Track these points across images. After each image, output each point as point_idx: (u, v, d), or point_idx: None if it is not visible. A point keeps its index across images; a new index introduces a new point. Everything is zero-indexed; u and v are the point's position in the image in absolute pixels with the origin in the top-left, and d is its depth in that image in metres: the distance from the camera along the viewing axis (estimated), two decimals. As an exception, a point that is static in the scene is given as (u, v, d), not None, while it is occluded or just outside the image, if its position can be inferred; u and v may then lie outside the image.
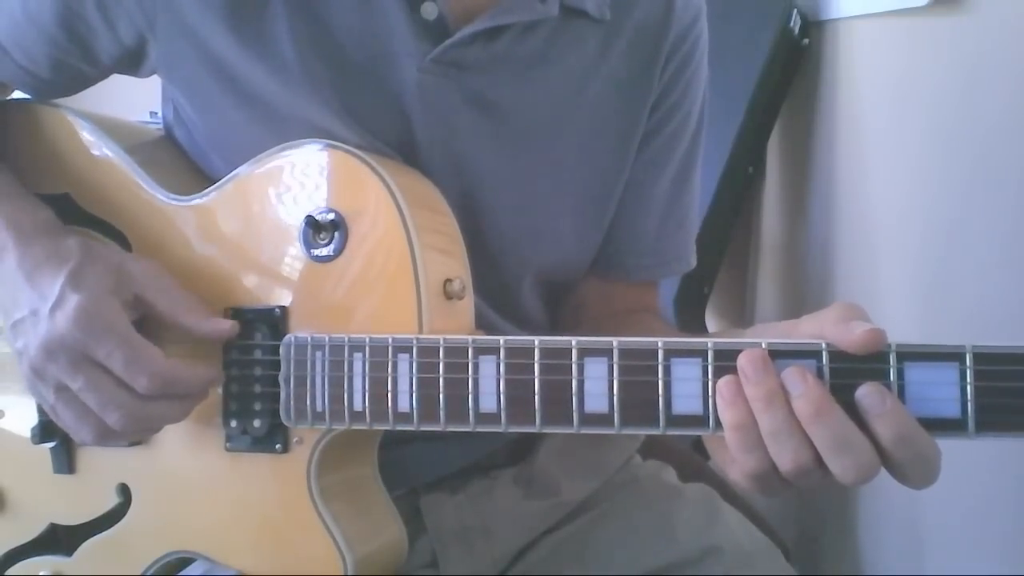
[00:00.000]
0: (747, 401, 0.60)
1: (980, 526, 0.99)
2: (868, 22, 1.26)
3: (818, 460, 0.59)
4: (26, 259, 0.77)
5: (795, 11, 1.42)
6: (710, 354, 0.61)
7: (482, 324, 0.81)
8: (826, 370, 0.59)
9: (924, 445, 0.58)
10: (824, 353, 0.59)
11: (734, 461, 0.63)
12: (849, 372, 0.59)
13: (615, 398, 0.64)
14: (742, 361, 0.60)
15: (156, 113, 0.96)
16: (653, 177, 0.94)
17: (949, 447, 0.99)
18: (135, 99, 1.16)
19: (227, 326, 0.78)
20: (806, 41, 1.44)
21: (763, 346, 0.60)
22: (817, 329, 0.61)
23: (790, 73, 1.46)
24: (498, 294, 0.88)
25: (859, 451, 0.58)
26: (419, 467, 0.92)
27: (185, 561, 0.85)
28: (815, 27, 1.43)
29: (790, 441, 0.59)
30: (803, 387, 0.58)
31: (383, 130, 0.81)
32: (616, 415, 0.64)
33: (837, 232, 1.34)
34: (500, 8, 0.81)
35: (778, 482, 0.62)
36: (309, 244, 0.76)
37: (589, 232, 0.93)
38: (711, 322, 1.64)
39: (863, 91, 1.28)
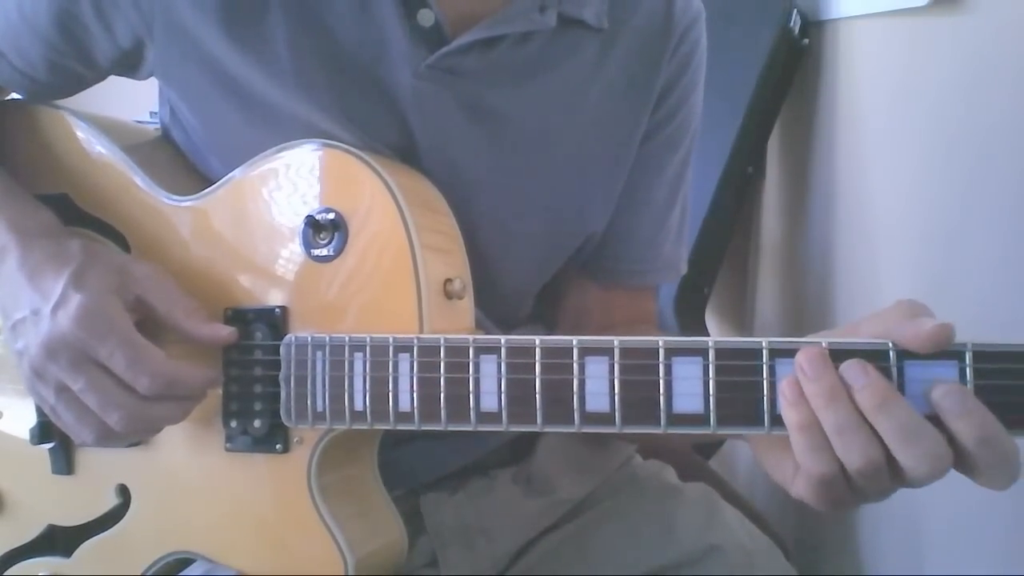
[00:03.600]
0: (808, 399, 0.58)
1: (980, 526, 0.99)
2: (868, 22, 1.26)
3: (887, 455, 0.57)
4: (28, 260, 0.77)
5: (795, 11, 1.42)
6: (711, 353, 0.61)
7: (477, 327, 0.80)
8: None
9: (1007, 445, 0.56)
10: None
11: (798, 473, 0.61)
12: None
13: (616, 397, 0.64)
14: (800, 359, 0.59)
15: (156, 113, 0.96)
16: (648, 181, 0.94)
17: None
18: (135, 99, 1.16)
19: (226, 332, 0.78)
20: (806, 41, 1.44)
21: (764, 345, 0.60)
22: (881, 328, 0.59)
23: (790, 73, 1.46)
24: (494, 301, 0.88)
25: (929, 441, 0.56)
26: (418, 467, 0.92)
27: (185, 562, 0.85)
28: (815, 27, 1.43)
29: (857, 436, 0.57)
30: (865, 379, 0.57)
31: (382, 134, 0.81)
32: (617, 414, 0.64)
33: (837, 232, 1.34)
34: (498, 18, 0.81)
35: (847, 490, 0.60)
36: (309, 244, 0.76)
37: (585, 243, 0.93)
38: (711, 322, 1.64)
39: (863, 91, 1.28)
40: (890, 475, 0.58)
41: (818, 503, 0.62)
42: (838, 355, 0.58)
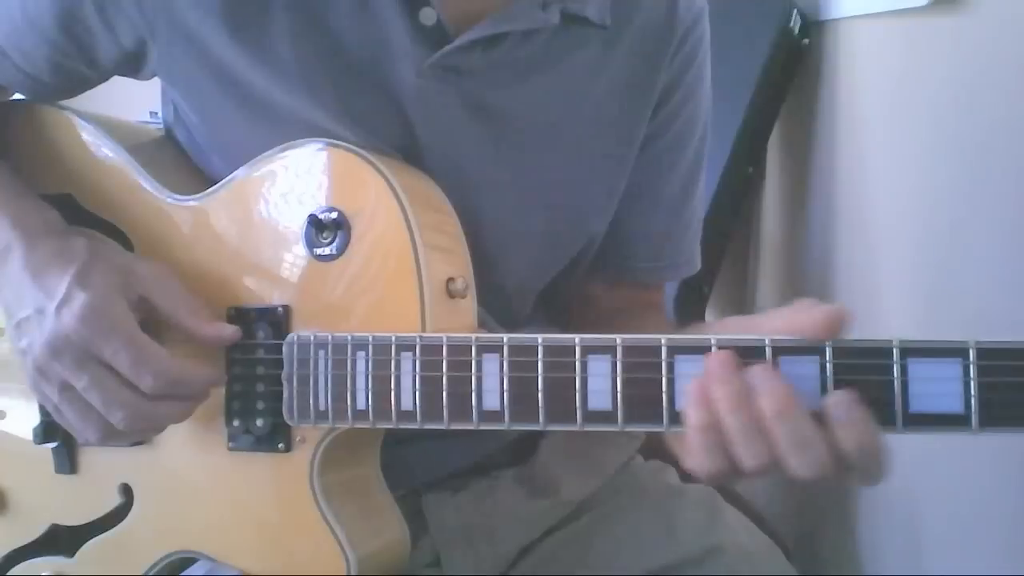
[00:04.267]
0: (714, 402, 0.60)
1: (980, 526, 0.99)
2: (868, 22, 1.26)
3: (777, 459, 0.60)
4: (32, 259, 0.77)
5: (795, 11, 1.42)
6: (713, 351, 0.61)
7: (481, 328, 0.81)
8: (828, 367, 0.59)
9: (880, 453, 0.59)
10: (828, 350, 0.59)
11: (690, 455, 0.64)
12: (850, 368, 0.59)
13: (618, 395, 0.64)
14: (710, 362, 0.61)
15: (156, 113, 0.96)
16: (660, 180, 0.94)
17: (949, 447, 0.99)
18: (135, 99, 1.16)
19: (229, 331, 0.78)
20: (806, 41, 1.44)
21: (767, 342, 0.60)
22: (781, 323, 0.61)
23: (790, 73, 1.46)
24: (496, 299, 0.88)
25: (818, 450, 0.59)
26: (421, 467, 0.92)
27: (187, 561, 0.85)
28: (815, 27, 1.43)
29: (755, 441, 0.60)
30: (769, 384, 0.59)
31: (384, 133, 0.81)
32: (619, 412, 0.64)
33: (837, 232, 1.34)
34: (500, 16, 0.81)
35: (733, 479, 0.64)
36: (312, 243, 0.76)
37: (587, 240, 0.93)
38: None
39: (863, 91, 1.28)
40: (776, 472, 0.61)
41: (704, 481, 0.67)
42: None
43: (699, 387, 0.61)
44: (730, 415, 0.60)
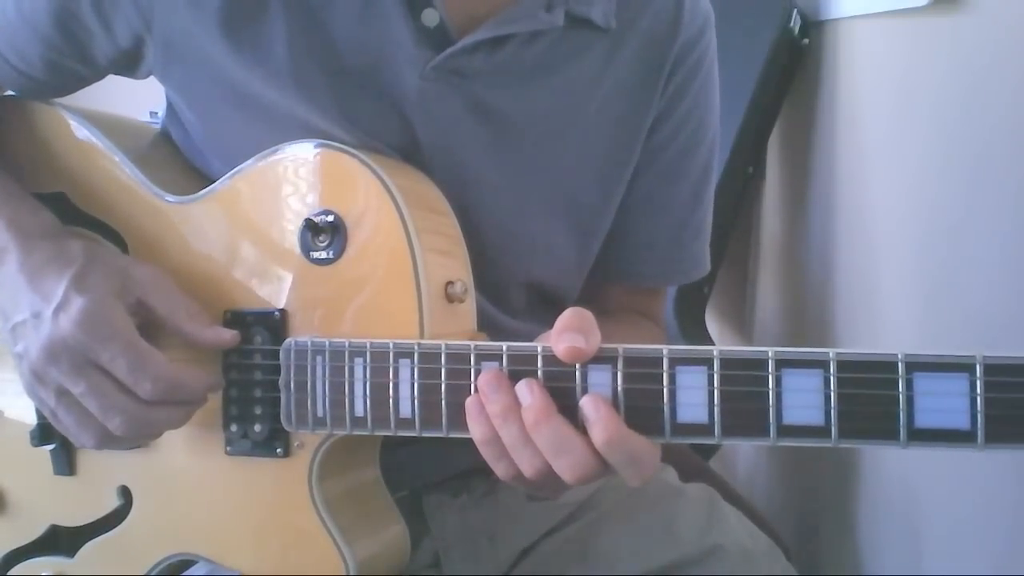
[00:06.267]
0: (489, 417, 0.65)
1: (980, 526, 0.99)
2: (868, 22, 1.26)
3: (548, 464, 0.64)
4: (28, 262, 0.77)
5: (795, 11, 1.42)
6: (716, 362, 0.61)
7: (481, 318, 0.80)
8: (833, 380, 0.58)
9: (633, 449, 0.62)
10: (832, 363, 0.58)
11: None
12: (855, 382, 0.58)
13: (620, 406, 0.63)
14: (480, 381, 0.65)
15: (156, 113, 0.95)
16: (670, 189, 0.94)
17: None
18: (135, 99, 1.16)
19: (228, 335, 0.77)
20: (806, 41, 1.44)
21: (770, 355, 0.60)
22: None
23: (790, 73, 1.46)
24: (490, 293, 0.87)
25: (576, 453, 0.63)
26: (422, 469, 0.92)
27: (187, 563, 0.85)
28: (815, 27, 1.43)
29: (525, 450, 0.64)
30: (529, 399, 0.63)
31: (384, 134, 0.81)
32: (621, 423, 0.64)
33: (837, 232, 1.34)
34: (504, 17, 0.80)
35: (534, 487, 0.68)
36: (308, 247, 0.76)
37: (585, 242, 0.93)
38: (711, 322, 1.64)
39: (863, 91, 1.27)
40: (558, 479, 0.64)
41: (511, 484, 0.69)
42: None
43: (475, 404, 0.65)
44: (502, 428, 0.64)
